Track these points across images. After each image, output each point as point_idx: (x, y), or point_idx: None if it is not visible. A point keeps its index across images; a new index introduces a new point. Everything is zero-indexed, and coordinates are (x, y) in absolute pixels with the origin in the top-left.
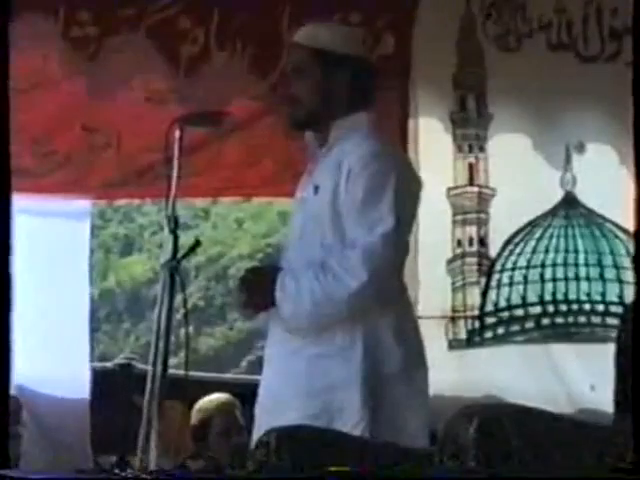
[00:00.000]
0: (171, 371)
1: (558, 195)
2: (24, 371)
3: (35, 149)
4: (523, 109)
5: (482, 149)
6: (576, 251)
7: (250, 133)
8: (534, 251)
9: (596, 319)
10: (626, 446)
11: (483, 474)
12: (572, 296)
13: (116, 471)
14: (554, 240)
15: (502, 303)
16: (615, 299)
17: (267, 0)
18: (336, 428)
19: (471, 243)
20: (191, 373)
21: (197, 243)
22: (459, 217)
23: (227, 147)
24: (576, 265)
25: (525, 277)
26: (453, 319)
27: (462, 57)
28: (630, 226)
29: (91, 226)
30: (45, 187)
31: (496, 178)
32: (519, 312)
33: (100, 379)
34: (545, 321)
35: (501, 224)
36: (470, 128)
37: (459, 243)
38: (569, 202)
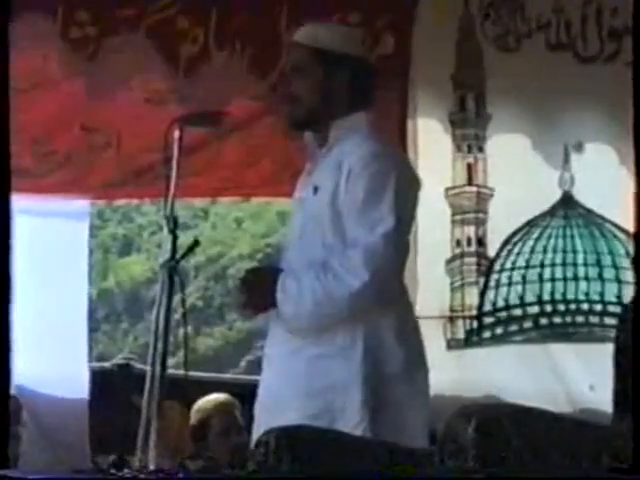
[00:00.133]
0: (170, 371)
1: (557, 195)
2: (23, 371)
3: (34, 149)
4: (522, 109)
5: (481, 149)
6: (574, 251)
7: (249, 133)
8: (532, 251)
9: (594, 319)
10: (625, 446)
11: (482, 474)
12: (570, 296)
13: (113, 471)
14: (552, 240)
15: (500, 303)
16: (614, 299)
17: (266, 0)
18: (337, 428)
19: (470, 243)
20: (190, 373)
21: (196, 243)
22: (458, 217)
23: (226, 147)
24: (575, 265)
25: (523, 277)
26: (452, 319)
27: (461, 57)
28: (629, 226)
29: (90, 226)
30: (44, 187)
31: (495, 178)
32: (517, 312)
33: (99, 379)
34: (543, 321)
35: (500, 224)
36: (469, 128)
37: (458, 243)
38: (568, 202)
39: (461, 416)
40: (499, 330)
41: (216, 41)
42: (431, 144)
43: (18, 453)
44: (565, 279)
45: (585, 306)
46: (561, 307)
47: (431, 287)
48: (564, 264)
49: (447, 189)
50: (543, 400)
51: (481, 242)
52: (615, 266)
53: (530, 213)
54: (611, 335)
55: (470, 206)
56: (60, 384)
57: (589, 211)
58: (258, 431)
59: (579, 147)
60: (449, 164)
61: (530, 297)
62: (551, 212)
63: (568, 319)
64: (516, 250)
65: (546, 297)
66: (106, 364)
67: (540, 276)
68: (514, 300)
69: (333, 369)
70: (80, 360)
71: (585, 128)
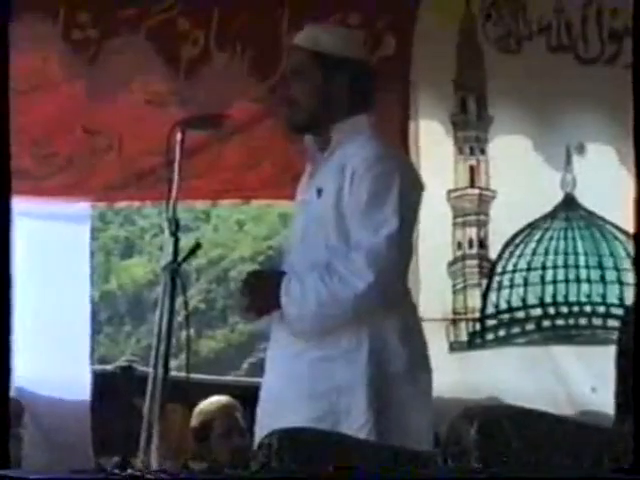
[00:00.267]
0: (172, 373)
1: (558, 197)
2: (25, 373)
3: (35, 151)
4: (523, 111)
5: (483, 151)
6: (576, 253)
7: (250, 136)
8: (534, 253)
9: (597, 321)
10: (627, 448)
11: (485, 474)
12: (573, 298)
13: (115, 471)
14: (554, 242)
15: (503, 305)
16: (616, 301)
17: (267, 2)
18: (341, 430)
19: (471, 245)
20: (192, 375)
21: (197, 246)
22: (459, 219)
23: (227, 150)
24: (577, 267)
25: (525, 279)
26: (454, 321)
27: (462, 59)
28: (631, 228)
29: (91, 229)
30: (46, 190)
31: (496, 180)
32: (520, 314)
33: (101, 382)
34: (546, 323)
35: (501, 226)
36: (471, 130)
37: (459, 245)
38: (569, 204)
39: (464, 418)
40: (501, 332)
41: (217, 43)
42: (433, 146)
43: (20, 455)
44: (567, 281)
45: (587, 308)
46: (563, 309)
47: (433, 289)
48: (566, 266)
49: (449, 191)
50: (545, 402)
51: (483, 244)
52: (617, 268)
53: (532, 215)
54: (613, 337)
55: (472, 208)
56: (62, 387)
57: (590, 213)
58: (260, 433)
59: (580, 149)
60: (451, 166)
61: (532, 299)
62: (552, 214)
63: (570, 321)
64: (518, 252)
65: (548, 299)
66: (109, 366)
67: (542, 278)
68: (516, 302)
69: (338, 371)
70: (82, 362)
71: (586, 130)
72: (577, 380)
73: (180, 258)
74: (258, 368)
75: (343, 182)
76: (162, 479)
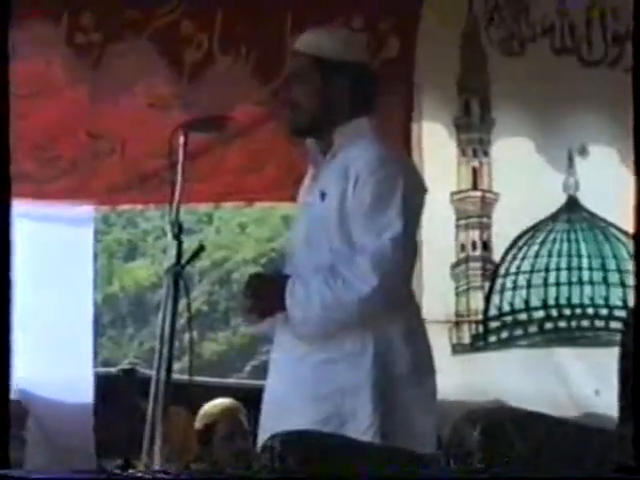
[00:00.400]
0: (175, 376)
1: (561, 199)
2: (29, 376)
3: (39, 155)
4: (526, 113)
5: (486, 153)
6: (579, 255)
7: (253, 138)
8: (537, 255)
9: (600, 323)
10: (630, 450)
11: (487, 475)
12: (575, 300)
13: (116, 471)
14: (557, 244)
15: (506, 307)
16: (619, 303)
17: (270, 5)
18: (346, 433)
19: (474, 247)
20: (195, 378)
21: (201, 248)
22: (462, 222)
23: (230, 152)
24: (579, 269)
25: (528, 281)
26: (457, 323)
27: (466, 62)
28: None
29: (94, 231)
30: (49, 193)
31: (499, 182)
32: (523, 316)
33: (104, 384)
34: (549, 325)
35: (504, 228)
36: (474, 132)
37: (462, 248)
38: (572, 206)
39: (467, 421)
40: (504, 335)
41: (220, 46)
42: (436, 148)
43: (23, 457)
44: (570, 283)
45: (590, 310)
46: (566, 311)
47: (436, 292)
48: (569, 268)
49: (452, 194)
50: (548, 404)
51: (486, 246)
52: (620, 270)
53: (534, 217)
54: (616, 339)
55: (474, 211)
56: (65, 389)
57: (593, 215)
58: (264, 436)
59: (583, 151)
60: (454, 168)
61: (535, 301)
62: (555, 216)
63: (573, 323)
64: (521, 254)
65: (551, 301)
66: (112, 369)
67: (545, 280)
68: (519, 304)
69: (342, 374)
70: (85, 365)
71: (589, 132)
72: (580, 382)
73: (183, 261)
74: (261, 371)
75: (346, 185)
76: (162, 479)
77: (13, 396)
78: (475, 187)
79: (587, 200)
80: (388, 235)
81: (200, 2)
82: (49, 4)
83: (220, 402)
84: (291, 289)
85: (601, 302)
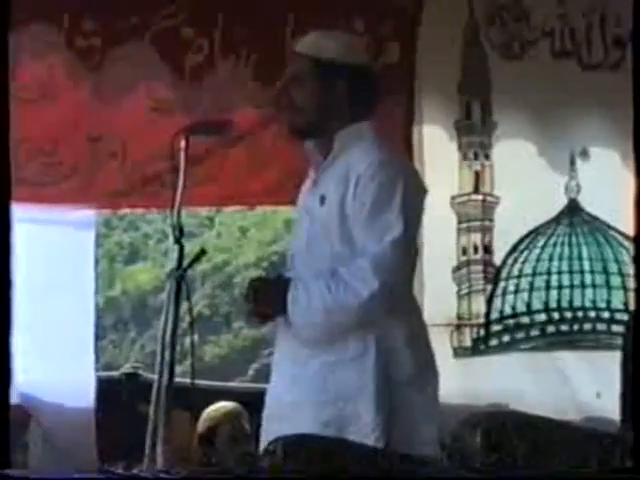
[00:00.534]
0: (177, 380)
1: (562, 202)
2: (30, 380)
3: (40, 159)
4: (527, 116)
5: (487, 156)
6: (581, 258)
7: (254, 142)
8: (539, 259)
9: (601, 326)
10: (630, 452)
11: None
12: (577, 303)
13: (118, 471)
14: (559, 248)
15: (507, 311)
16: (620, 306)
17: (271, 8)
18: (348, 436)
19: (476, 251)
20: (197, 382)
21: (202, 252)
22: (464, 225)
23: (231, 156)
24: (581, 272)
25: (530, 285)
26: (458, 327)
27: (466, 65)
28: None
29: (96, 235)
30: (51, 197)
31: (500, 185)
32: (524, 320)
33: (106, 388)
34: (550, 329)
35: (506, 232)
36: (475, 136)
37: (464, 251)
38: (573, 209)
39: (468, 424)
40: (506, 338)
41: (221, 50)
42: (437, 152)
43: (26, 462)
44: (572, 286)
45: (592, 314)
46: (568, 314)
47: (438, 295)
48: (570, 271)
49: (453, 197)
50: (550, 408)
51: (487, 250)
52: (621, 273)
53: (536, 221)
54: (618, 342)
55: (476, 214)
56: (67, 393)
57: (595, 218)
58: (266, 439)
59: (584, 154)
60: (455, 172)
61: (537, 305)
62: (557, 219)
63: (575, 327)
64: (522, 257)
65: (553, 305)
66: (114, 373)
67: (547, 283)
68: (521, 308)
69: (344, 377)
70: (87, 369)
71: (590, 135)
72: (582, 385)
73: (185, 264)
74: (263, 374)
75: (347, 189)
76: (163, 479)
77: (15, 400)
78: (476, 190)
79: (588, 203)
80: (388, 238)
81: (201, 6)
82: (50, 8)
83: (223, 405)
84: (292, 293)
85: (603, 305)
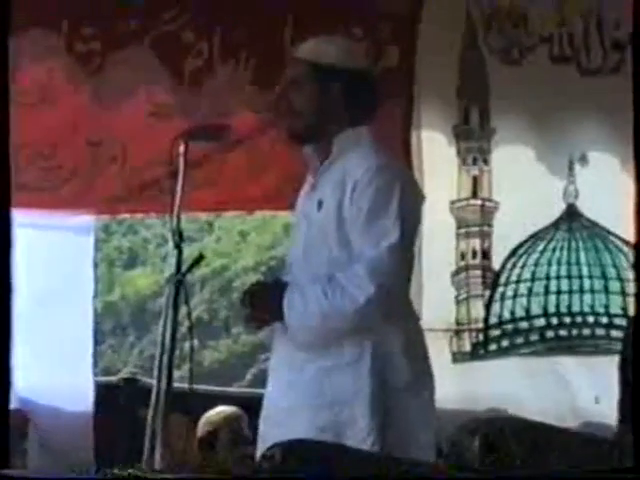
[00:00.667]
0: (176, 384)
1: (561, 207)
2: (29, 384)
3: (40, 164)
4: (526, 122)
5: (486, 162)
6: (579, 263)
7: (253, 146)
8: (537, 264)
9: (600, 331)
10: (628, 457)
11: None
12: (576, 308)
13: (115, 471)
14: (557, 253)
15: (506, 316)
16: (619, 311)
17: (270, 13)
18: (344, 441)
19: (475, 256)
20: (195, 386)
21: (201, 257)
22: (462, 230)
23: (230, 160)
24: (580, 277)
25: (529, 290)
26: (457, 332)
27: (465, 70)
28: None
29: (95, 239)
30: (50, 201)
31: (499, 190)
32: (523, 325)
33: (105, 393)
34: (549, 334)
35: (504, 237)
36: (473, 141)
37: (463, 256)
38: (572, 215)
39: (467, 429)
40: (505, 343)
41: (220, 54)
42: (436, 157)
43: (25, 465)
44: (570, 292)
45: (591, 318)
46: (567, 319)
47: (436, 300)
48: (569, 276)
49: (452, 202)
50: (549, 413)
51: (486, 255)
52: (620, 278)
53: (535, 226)
54: (616, 348)
55: (475, 219)
56: (66, 397)
57: (593, 223)
58: (264, 444)
59: (583, 159)
60: (454, 177)
61: (536, 310)
62: (555, 225)
63: (574, 332)
64: (521, 263)
65: (552, 310)
66: (112, 378)
67: (546, 289)
68: (520, 313)
69: (340, 382)
70: (86, 373)
71: (589, 140)
72: (581, 390)
73: (184, 269)
74: (261, 379)
75: (344, 193)
76: (162, 479)
77: (14, 404)
78: (475, 195)
79: (587, 208)
80: (385, 243)
81: (200, 11)
82: (50, 13)
83: (222, 409)
84: (289, 298)
85: (601, 310)
